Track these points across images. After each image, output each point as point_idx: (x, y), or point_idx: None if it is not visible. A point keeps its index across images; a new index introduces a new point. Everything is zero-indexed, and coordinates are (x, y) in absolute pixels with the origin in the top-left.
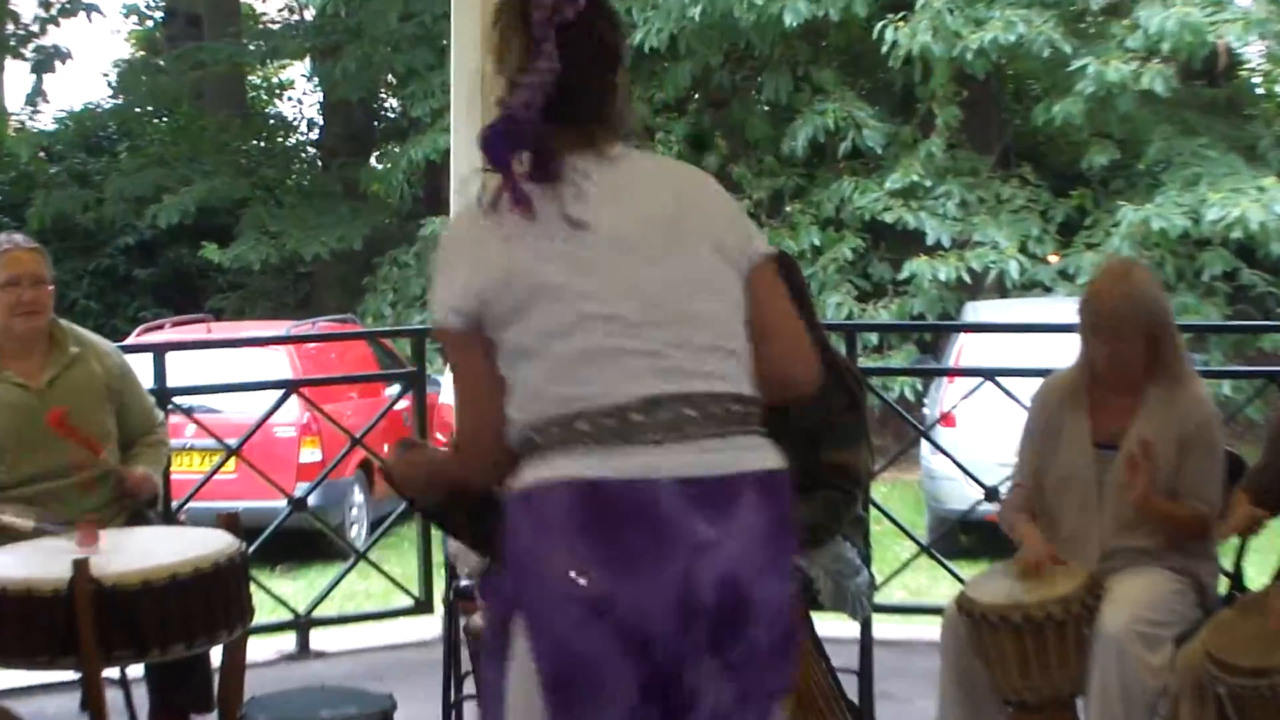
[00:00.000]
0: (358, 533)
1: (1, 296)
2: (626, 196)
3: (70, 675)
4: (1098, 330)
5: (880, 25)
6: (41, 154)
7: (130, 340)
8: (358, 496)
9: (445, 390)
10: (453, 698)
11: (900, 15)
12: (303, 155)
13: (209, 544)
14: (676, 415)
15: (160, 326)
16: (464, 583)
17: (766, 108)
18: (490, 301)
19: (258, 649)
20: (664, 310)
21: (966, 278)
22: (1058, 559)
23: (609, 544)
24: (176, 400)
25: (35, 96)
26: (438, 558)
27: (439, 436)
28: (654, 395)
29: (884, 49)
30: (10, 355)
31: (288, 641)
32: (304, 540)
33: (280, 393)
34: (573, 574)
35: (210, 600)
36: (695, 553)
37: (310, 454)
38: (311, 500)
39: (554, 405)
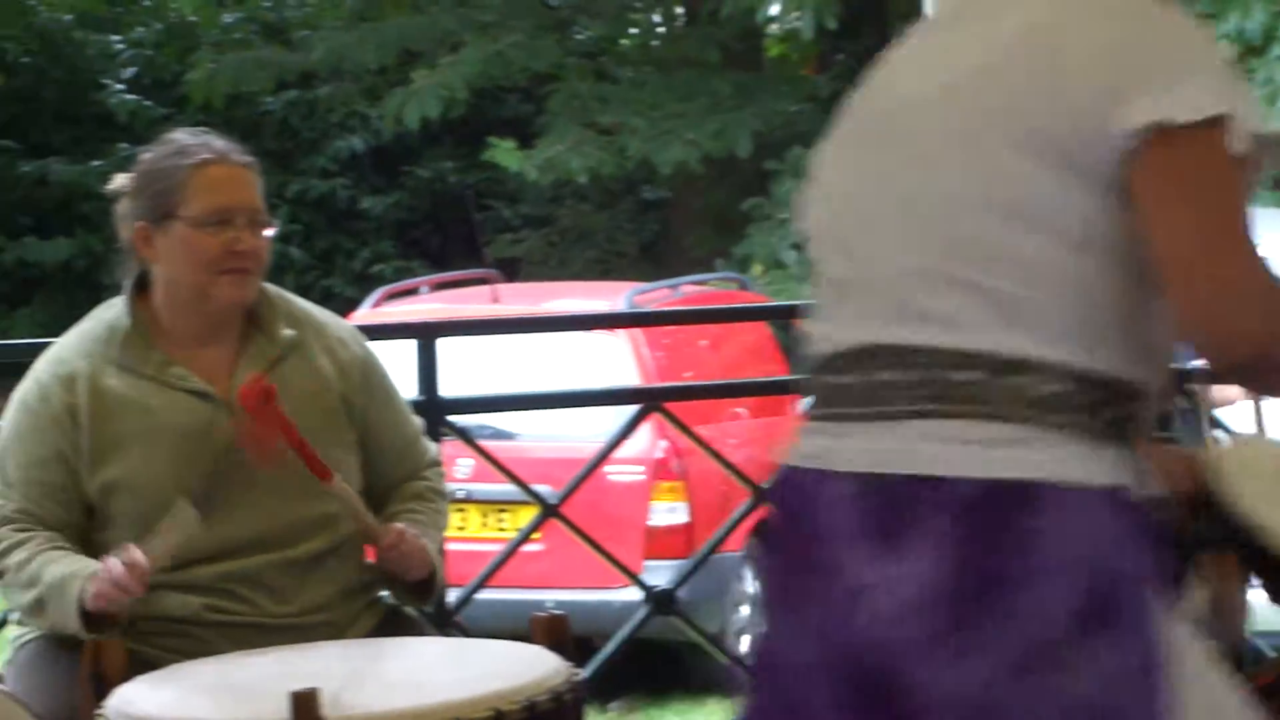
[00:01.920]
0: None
1: (199, 240)
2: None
3: None
4: None
5: None
6: None
7: (363, 315)
8: (751, 585)
9: None
10: None
11: None
12: None
13: (521, 669)
14: (863, 379)
15: (412, 292)
16: None
17: None
18: None
19: None
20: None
21: None
22: None
23: (772, 567)
24: (452, 419)
25: None
26: None
27: None
28: (851, 348)
29: None
30: (184, 340)
31: None
32: (658, 658)
33: (626, 410)
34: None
35: None
36: (848, 599)
37: (670, 512)
38: (680, 592)
39: None
